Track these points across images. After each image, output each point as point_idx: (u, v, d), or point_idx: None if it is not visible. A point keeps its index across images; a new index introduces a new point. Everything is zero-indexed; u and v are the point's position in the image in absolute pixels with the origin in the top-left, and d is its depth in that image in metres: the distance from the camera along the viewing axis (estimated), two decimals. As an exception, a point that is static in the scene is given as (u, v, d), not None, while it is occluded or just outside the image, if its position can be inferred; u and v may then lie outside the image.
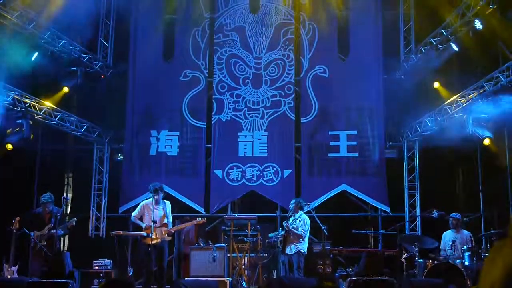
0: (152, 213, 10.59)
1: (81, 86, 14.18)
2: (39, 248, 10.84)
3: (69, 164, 15.67)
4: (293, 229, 11.18)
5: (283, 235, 11.30)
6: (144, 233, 10.54)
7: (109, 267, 12.07)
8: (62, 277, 10.17)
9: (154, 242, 10.47)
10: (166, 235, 10.71)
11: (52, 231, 11.00)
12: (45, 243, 10.97)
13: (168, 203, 11.08)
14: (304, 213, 11.44)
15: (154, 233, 10.45)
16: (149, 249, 10.46)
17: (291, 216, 11.51)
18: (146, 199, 11.15)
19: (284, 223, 11.41)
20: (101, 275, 11.76)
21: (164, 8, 15.40)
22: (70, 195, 15.23)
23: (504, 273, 1.05)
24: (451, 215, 11.78)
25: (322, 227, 11.22)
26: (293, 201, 11.69)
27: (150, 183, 11.10)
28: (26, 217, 11.35)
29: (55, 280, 9.04)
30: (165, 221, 10.73)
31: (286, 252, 11.23)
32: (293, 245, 11.22)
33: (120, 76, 15.27)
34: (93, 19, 14.23)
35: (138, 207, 11.20)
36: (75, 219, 11.52)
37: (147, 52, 15.18)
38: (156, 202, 10.75)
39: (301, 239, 11.24)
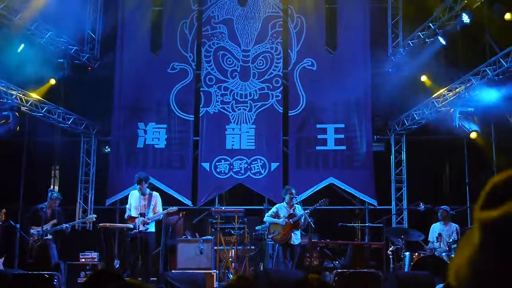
0: (139, 204, 10.64)
1: (68, 78, 14.07)
2: (30, 243, 10.91)
3: (56, 157, 15.55)
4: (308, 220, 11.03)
5: (285, 224, 11.05)
6: (131, 225, 10.51)
7: (95, 260, 12.05)
8: (48, 269, 10.13)
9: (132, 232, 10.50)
10: (142, 225, 10.61)
11: (61, 226, 11.14)
12: (51, 237, 11.11)
13: (155, 194, 11.03)
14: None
15: (136, 224, 10.47)
16: (128, 239, 10.47)
17: (292, 205, 11.30)
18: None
19: (304, 213, 11.05)
20: (87, 267, 11.74)
21: (151, 0, 15.36)
22: (57, 188, 15.15)
23: (470, 256, 1.06)
24: (440, 207, 11.85)
25: (309, 220, 11.19)
26: (285, 192, 11.47)
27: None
28: (28, 212, 11.53)
29: (41, 272, 8.99)
30: (144, 211, 10.63)
31: (292, 242, 10.99)
32: (298, 235, 11.15)
33: (107, 68, 15.17)
34: (80, 11, 14.13)
35: (128, 197, 11.21)
36: (95, 215, 11.74)
37: (135, 44, 15.10)
38: (141, 193, 10.75)
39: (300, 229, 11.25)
